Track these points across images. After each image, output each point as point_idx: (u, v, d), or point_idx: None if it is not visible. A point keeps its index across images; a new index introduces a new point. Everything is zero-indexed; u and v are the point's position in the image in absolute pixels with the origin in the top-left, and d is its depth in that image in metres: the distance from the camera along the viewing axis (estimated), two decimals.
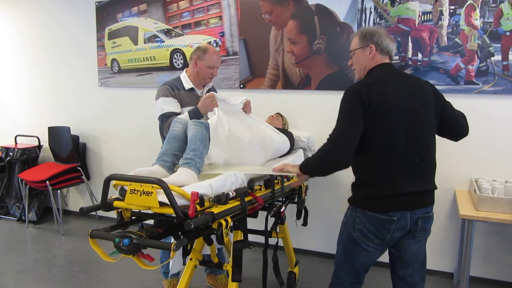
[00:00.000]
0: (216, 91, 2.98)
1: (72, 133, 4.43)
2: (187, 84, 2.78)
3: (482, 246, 3.14)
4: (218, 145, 2.28)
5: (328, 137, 1.90)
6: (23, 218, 4.52)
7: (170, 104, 2.67)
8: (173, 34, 3.98)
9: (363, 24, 3.25)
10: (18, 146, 4.64)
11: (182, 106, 2.72)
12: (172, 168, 2.16)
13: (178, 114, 2.63)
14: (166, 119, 2.64)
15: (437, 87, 3.06)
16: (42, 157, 4.76)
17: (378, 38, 1.99)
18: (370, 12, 3.25)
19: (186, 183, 1.88)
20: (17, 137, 4.80)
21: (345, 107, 1.87)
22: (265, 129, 2.64)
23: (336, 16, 3.33)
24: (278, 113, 3.42)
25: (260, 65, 3.66)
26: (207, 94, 2.56)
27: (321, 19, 3.39)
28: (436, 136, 2.15)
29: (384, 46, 1.99)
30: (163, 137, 2.64)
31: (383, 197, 1.87)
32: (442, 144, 3.13)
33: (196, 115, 2.53)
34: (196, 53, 2.76)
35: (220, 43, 3.77)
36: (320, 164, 1.96)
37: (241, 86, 3.74)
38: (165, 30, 4.01)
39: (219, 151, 2.30)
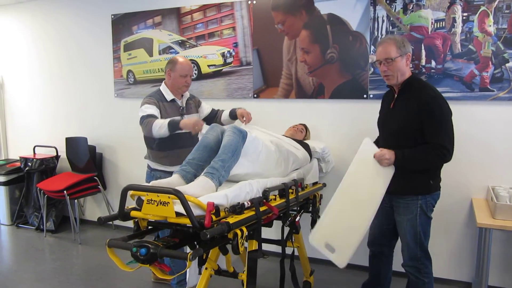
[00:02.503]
0: (195, 96, 3.19)
1: (89, 144, 4.50)
2: (168, 95, 2.94)
3: (500, 255, 3.10)
4: (247, 158, 2.29)
5: (438, 142, 2.24)
6: (41, 227, 4.60)
7: (151, 109, 2.81)
8: (187, 45, 4.03)
9: (376, 33, 3.26)
10: (37, 157, 4.72)
11: (165, 117, 2.82)
12: (192, 180, 2.12)
13: (157, 117, 2.78)
14: (145, 118, 2.76)
15: (452, 94, 3.11)
16: (59, 167, 4.84)
17: (410, 48, 2.36)
18: (383, 21, 3.25)
19: (202, 195, 1.90)
20: (36, 148, 4.89)
21: (448, 114, 2.28)
22: (289, 148, 2.66)
23: (349, 25, 3.35)
24: (303, 125, 3.35)
25: (273, 75, 3.69)
26: (197, 121, 2.65)
27: (333, 28, 3.41)
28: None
29: (411, 57, 2.38)
30: (145, 139, 2.92)
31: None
32: (458, 152, 3.11)
33: (173, 128, 2.65)
34: (168, 66, 2.94)
35: (233, 53, 3.81)
36: (430, 164, 2.34)
37: (255, 95, 3.77)
38: (180, 41, 4.07)
39: (248, 164, 2.31)
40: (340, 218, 2.32)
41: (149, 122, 2.70)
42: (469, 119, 3.08)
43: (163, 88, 2.96)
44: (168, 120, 2.67)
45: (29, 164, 4.64)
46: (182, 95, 3.02)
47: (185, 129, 2.65)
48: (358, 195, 2.33)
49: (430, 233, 2.35)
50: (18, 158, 4.83)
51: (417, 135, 2.30)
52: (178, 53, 4.05)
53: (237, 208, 1.92)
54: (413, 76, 2.41)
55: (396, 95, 2.44)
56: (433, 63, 3.14)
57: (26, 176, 4.75)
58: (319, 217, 2.92)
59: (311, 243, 2.28)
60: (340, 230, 2.33)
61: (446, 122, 2.26)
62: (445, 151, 2.23)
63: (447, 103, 2.30)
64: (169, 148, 2.90)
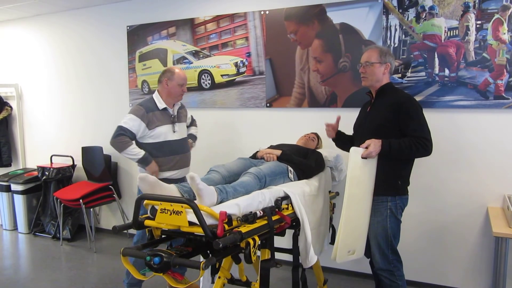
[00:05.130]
0: (185, 108, 3.28)
1: (104, 153, 4.56)
2: (161, 104, 3.02)
3: None
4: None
5: (419, 135, 2.32)
6: (58, 235, 4.66)
7: (133, 123, 2.91)
8: (201, 56, 4.08)
9: (388, 42, 3.26)
10: (54, 166, 4.79)
11: (156, 126, 2.96)
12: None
13: (134, 135, 2.93)
14: (121, 134, 2.89)
15: (466, 102, 3.09)
16: (75, 176, 4.90)
17: (392, 60, 2.54)
18: (395, 30, 3.25)
19: (202, 195, 1.93)
20: (53, 157, 4.97)
21: (422, 111, 2.41)
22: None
23: (361, 34, 3.36)
24: (315, 134, 3.31)
25: (286, 84, 3.71)
26: (156, 171, 2.93)
27: (346, 38, 3.42)
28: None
29: (392, 67, 2.56)
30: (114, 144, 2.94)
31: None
32: (473, 160, 3.09)
33: (143, 163, 2.93)
34: (165, 75, 3.02)
35: (246, 63, 3.85)
36: (414, 155, 2.39)
37: (268, 105, 3.79)
38: (193, 51, 4.12)
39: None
40: (350, 225, 2.38)
41: (126, 142, 2.89)
42: (484, 127, 3.06)
43: (156, 96, 3.04)
44: (143, 153, 2.91)
45: (46, 173, 4.72)
46: (174, 104, 3.10)
47: (148, 170, 2.92)
48: (359, 199, 2.39)
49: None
50: (36, 167, 4.92)
51: (393, 133, 2.38)
52: (192, 63, 4.11)
53: (249, 217, 1.93)
54: (390, 83, 2.57)
55: (373, 100, 2.60)
56: (447, 71, 3.12)
57: (43, 185, 4.83)
58: (332, 225, 2.91)
59: (338, 262, 2.41)
60: (352, 234, 2.41)
61: (423, 117, 2.39)
62: (428, 143, 2.33)
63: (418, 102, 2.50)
64: (167, 154, 3.03)
